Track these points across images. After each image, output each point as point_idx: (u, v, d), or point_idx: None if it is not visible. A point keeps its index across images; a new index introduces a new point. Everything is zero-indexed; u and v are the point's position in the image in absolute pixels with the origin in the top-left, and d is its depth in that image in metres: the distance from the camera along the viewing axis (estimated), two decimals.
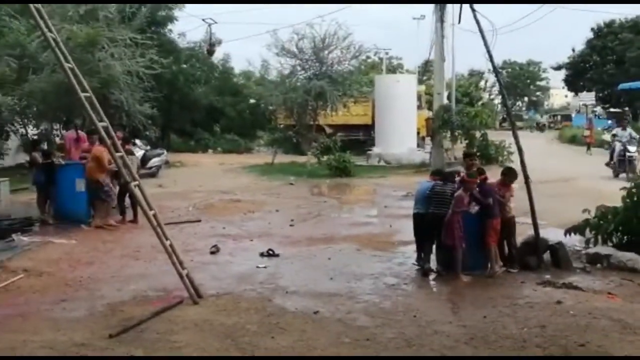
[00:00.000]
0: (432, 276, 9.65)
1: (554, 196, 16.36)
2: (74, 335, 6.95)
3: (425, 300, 8.61)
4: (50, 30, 8.59)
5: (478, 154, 24.35)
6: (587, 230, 10.75)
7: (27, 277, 9.37)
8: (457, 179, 10.09)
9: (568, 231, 10.78)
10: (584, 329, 7.19)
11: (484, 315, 7.66)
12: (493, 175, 10.99)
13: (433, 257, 9.90)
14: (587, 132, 36.44)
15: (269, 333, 7.07)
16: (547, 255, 10.10)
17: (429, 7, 27.03)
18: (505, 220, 9.83)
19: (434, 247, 9.86)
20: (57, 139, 23.77)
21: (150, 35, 24.47)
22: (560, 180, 20.22)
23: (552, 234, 10.85)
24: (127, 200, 14.06)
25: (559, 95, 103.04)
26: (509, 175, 10.19)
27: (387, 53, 55.62)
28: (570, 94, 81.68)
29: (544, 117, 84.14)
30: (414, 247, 10.53)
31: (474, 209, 9.54)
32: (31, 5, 8.41)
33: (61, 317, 7.59)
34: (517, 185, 10.38)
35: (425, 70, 44.40)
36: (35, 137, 21.65)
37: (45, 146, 15.94)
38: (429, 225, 9.78)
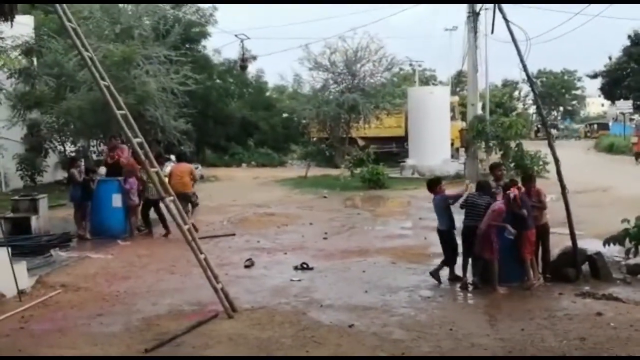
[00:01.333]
0: (469, 288, 9.54)
1: (592, 206, 16.10)
2: (110, 350, 7.02)
3: (462, 313, 8.52)
4: (86, 49, 8.75)
5: (512, 164, 24.19)
6: (627, 241, 10.54)
7: (64, 292, 9.48)
8: (494, 189, 9.94)
9: (607, 241, 10.58)
10: (625, 341, 7.04)
11: (522, 328, 7.55)
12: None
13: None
14: (634, 139, 35.51)
15: (303, 347, 7.05)
16: (585, 266, 9.93)
17: (462, 18, 26.91)
18: (539, 226, 9.70)
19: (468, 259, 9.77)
20: (94, 156, 24.15)
21: (184, 52, 24.83)
22: (598, 190, 19.90)
23: (591, 245, 10.68)
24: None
25: (595, 104, 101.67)
26: (526, 181, 10.16)
27: (419, 65, 55.59)
28: (607, 103, 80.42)
29: (580, 126, 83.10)
30: None
31: (511, 233, 9.29)
32: (68, 25, 8.57)
33: (98, 332, 7.66)
34: (555, 196, 10.24)
35: (459, 82, 44.16)
36: (73, 155, 22.00)
37: (83, 163, 16.15)
38: (463, 237, 9.73)
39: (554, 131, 63.91)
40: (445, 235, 10.13)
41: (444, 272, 10.04)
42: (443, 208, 10.12)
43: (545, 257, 9.91)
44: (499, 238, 9.28)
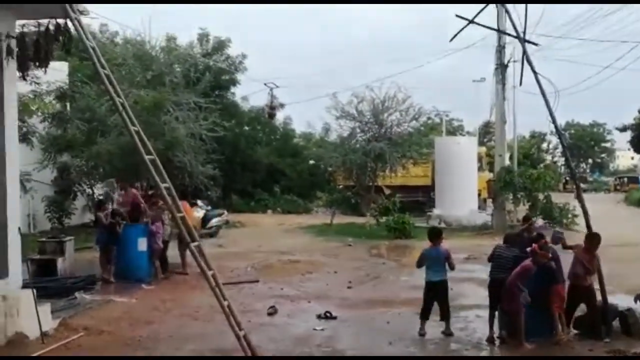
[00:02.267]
0: (496, 342, 9.34)
1: (622, 261, 15.78)
2: None
3: None
4: (118, 95, 8.90)
5: (541, 215, 23.91)
6: None
7: (87, 335, 9.47)
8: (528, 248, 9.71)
9: (638, 297, 10.33)
10: None
11: None
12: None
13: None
14: None
15: None
16: (616, 322, 9.68)
17: (490, 70, 27.06)
18: (583, 288, 9.53)
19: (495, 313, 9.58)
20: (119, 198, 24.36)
21: (213, 99, 25.19)
22: (629, 244, 19.53)
23: (622, 300, 10.42)
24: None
25: (625, 157, 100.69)
26: (591, 240, 9.77)
27: (447, 115, 55.68)
28: (637, 156, 79.66)
29: (609, 179, 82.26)
30: (475, 311, 10.24)
31: (526, 300, 9.12)
32: (101, 71, 8.75)
33: None
34: None
35: (486, 132, 44.14)
36: (102, 198, 22.22)
37: (110, 206, 16.33)
38: (490, 290, 9.59)
39: (583, 186, 63.27)
40: (445, 285, 9.94)
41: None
42: (445, 258, 9.94)
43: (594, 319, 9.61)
44: (526, 291, 9.10)
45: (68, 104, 22.57)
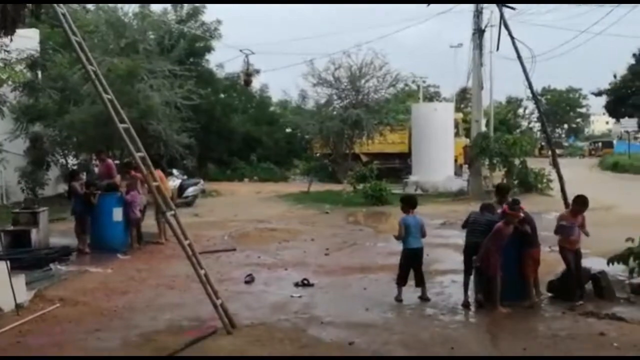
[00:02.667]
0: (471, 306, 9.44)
1: (595, 224, 15.89)
2: None
3: (463, 331, 8.40)
4: (91, 63, 8.74)
5: (516, 181, 24.10)
6: (631, 259, 10.43)
7: (63, 306, 9.41)
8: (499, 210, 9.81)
9: (611, 260, 10.47)
10: None
11: (524, 348, 7.45)
12: (532, 203, 10.73)
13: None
14: None
15: None
16: (589, 285, 9.81)
17: (467, 35, 26.99)
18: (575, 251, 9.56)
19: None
20: (96, 169, 24.17)
21: (188, 67, 24.90)
22: (602, 208, 19.78)
23: (595, 263, 10.56)
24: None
25: (600, 122, 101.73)
26: (578, 203, 9.70)
27: (424, 81, 55.68)
28: (612, 121, 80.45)
29: (584, 144, 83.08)
30: (451, 276, 10.35)
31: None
32: (73, 39, 8.57)
33: (95, 347, 7.58)
34: (558, 213, 10.12)
35: (463, 98, 44.22)
36: (75, 168, 21.99)
37: (84, 176, 16.18)
38: (465, 255, 9.67)
39: (558, 151, 63.87)
40: (422, 251, 10.03)
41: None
42: (421, 225, 10.02)
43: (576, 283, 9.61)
44: (502, 256, 9.18)
45: (39, 73, 22.18)
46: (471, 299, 9.51)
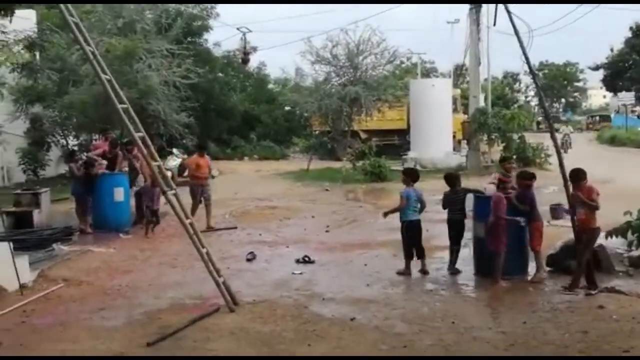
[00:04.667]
0: (471, 281, 9.54)
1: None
2: (112, 344, 7.02)
3: (464, 306, 8.50)
4: (88, 44, 8.74)
5: (515, 156, 24.13)
6: (629, 233, 10.49)
7: (66, 286, 9.49)
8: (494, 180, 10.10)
9: (609, 234, 10.51)
10: (628, 334, 7.03)
11: (524, 321, 7.54)
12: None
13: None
14: None
15: (305, 340, 7.05)
16: None
17: (464, 11, 26.91)
18: (590, 229, 8.97)
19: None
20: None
21: (186, 46, 24.77)
22: (601, 182, 19.80)
23: None
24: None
25: (597, 96, 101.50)
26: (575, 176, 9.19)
27: (420, 58, 55.42)
28: (609, 94, 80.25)
29: (582, 118, 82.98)
30: None
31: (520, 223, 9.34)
32: (70, 20, 8.56)
33: (100, 326, 7.67)
34: (557, 187, 10.18)
35: (460, 74, 44.08)
36: (74, 148, 21.99)
37: (84, 157, 16.18)
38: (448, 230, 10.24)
39: (556, 125, 63.88)
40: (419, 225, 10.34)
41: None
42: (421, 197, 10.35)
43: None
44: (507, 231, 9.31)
45: (37, 54, 22.08)
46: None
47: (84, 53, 8.98)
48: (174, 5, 30.56)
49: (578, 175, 9.05)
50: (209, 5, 34.72)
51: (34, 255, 10.98)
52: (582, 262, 8.92)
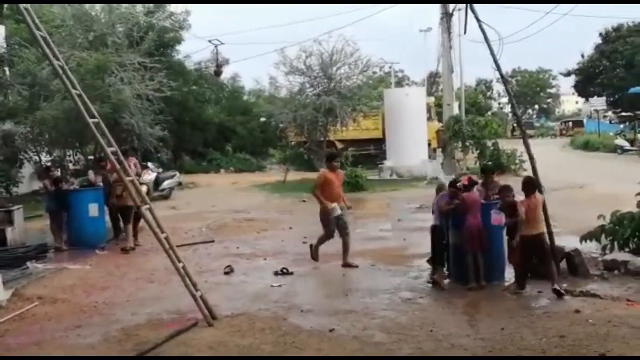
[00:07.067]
0: (447, 289, 9.57)
1: (568, 203, 16.23)
2: None
3: (442, 313, 8.51)
4: (57, 58, 8.66)
5: (489, 163, 24.34)
6: (603, 237, 10.63)
7: (41, 304, 9.35)
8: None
9: (584, 238, 10.66)
10: (604, 337, 7.09)
11: (502, 327, 7.57)
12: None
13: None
14: None
15: (284, 353, 7.02)
16: (563, 263, 9.98)
17: (436, 19, 27.14)
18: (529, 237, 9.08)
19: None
20: (71, 165, 23.92)
21: (158, 58, 24.63)
22: (574, 187, 20.08)
23: (568, 242, 10.74)
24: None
25: (570, 102, 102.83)
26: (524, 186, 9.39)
27: (390, 67, 55.76)
28: (581, 100, 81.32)
29: (555, 123, 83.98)
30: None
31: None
32: (38, 34, 8.47)
33: (76, 344, 7.56)
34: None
35: (433, 82, 44.42)
36: (48, 164, 21.74)
37: (57, 173, 16.00)
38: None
39: (530, 131, 64.55)
40: None
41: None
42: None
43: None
44: (485, 236, 9.38)
45: (7, 69, 21.84)
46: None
47: (52, 68, 8.89)
48: (144, 17, 30.42)
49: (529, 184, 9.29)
50: (180, 17, 34.58)
51: (8, 273, 10.82)
52: (550, 268, 9.06)
